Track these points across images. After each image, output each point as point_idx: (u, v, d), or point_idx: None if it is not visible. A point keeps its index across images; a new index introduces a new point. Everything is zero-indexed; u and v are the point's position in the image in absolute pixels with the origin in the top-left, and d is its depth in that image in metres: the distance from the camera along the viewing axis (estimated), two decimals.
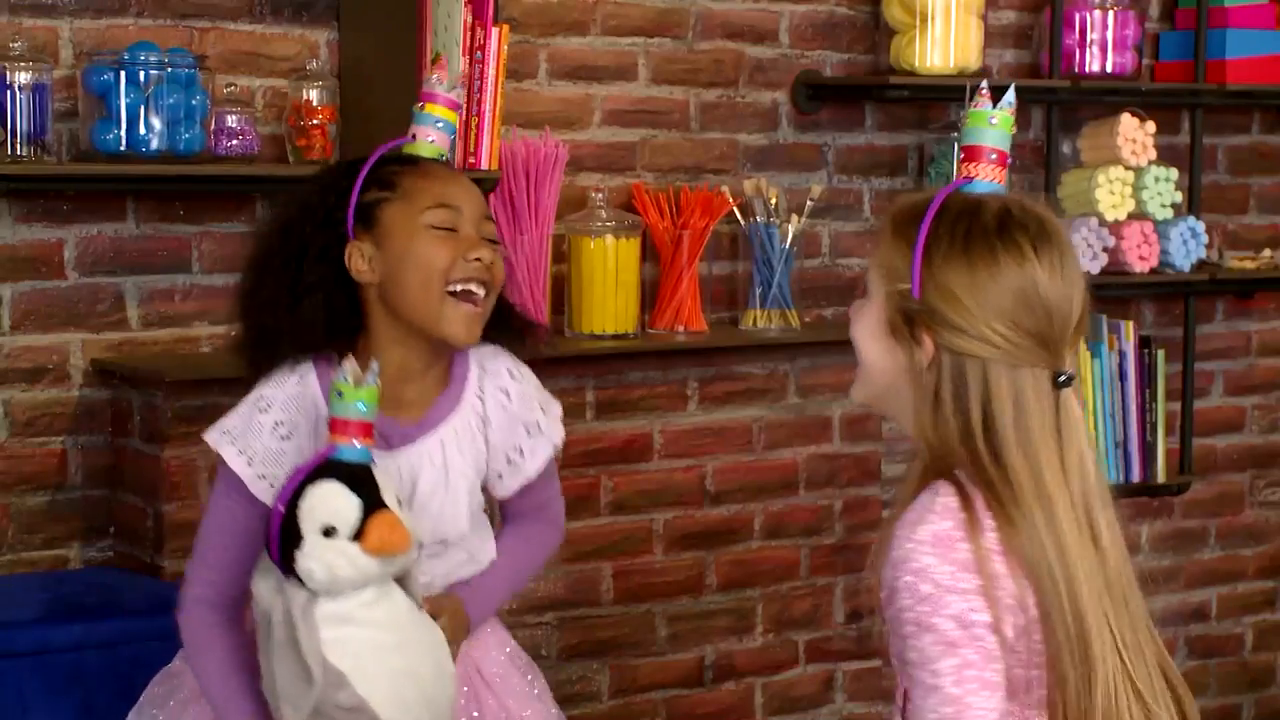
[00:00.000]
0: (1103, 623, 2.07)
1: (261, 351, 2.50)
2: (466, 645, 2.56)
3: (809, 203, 4.17)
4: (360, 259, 2.44)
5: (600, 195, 3.94)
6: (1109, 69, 4.45)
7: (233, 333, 2.60)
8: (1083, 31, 4.44)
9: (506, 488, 2.60)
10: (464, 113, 3.59)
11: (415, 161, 2.51)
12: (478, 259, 2.42)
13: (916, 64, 4.17)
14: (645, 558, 4.01)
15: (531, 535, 2.69)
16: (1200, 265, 4.57)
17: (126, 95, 3.36)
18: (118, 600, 3.31)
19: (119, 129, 3.36)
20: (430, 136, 2.54)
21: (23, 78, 3.33)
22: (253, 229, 2.56)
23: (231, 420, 2.49)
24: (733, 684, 4.14)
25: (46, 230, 3.50)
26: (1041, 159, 4.47)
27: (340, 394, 2.27)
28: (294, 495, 2.27)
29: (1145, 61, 4.64)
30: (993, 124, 2.19)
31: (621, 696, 4.02)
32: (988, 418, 2.07)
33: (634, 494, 3.98)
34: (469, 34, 3.60)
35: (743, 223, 4.13)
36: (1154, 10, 4.73)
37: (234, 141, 3.52)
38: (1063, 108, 4.43)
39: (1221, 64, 4.60)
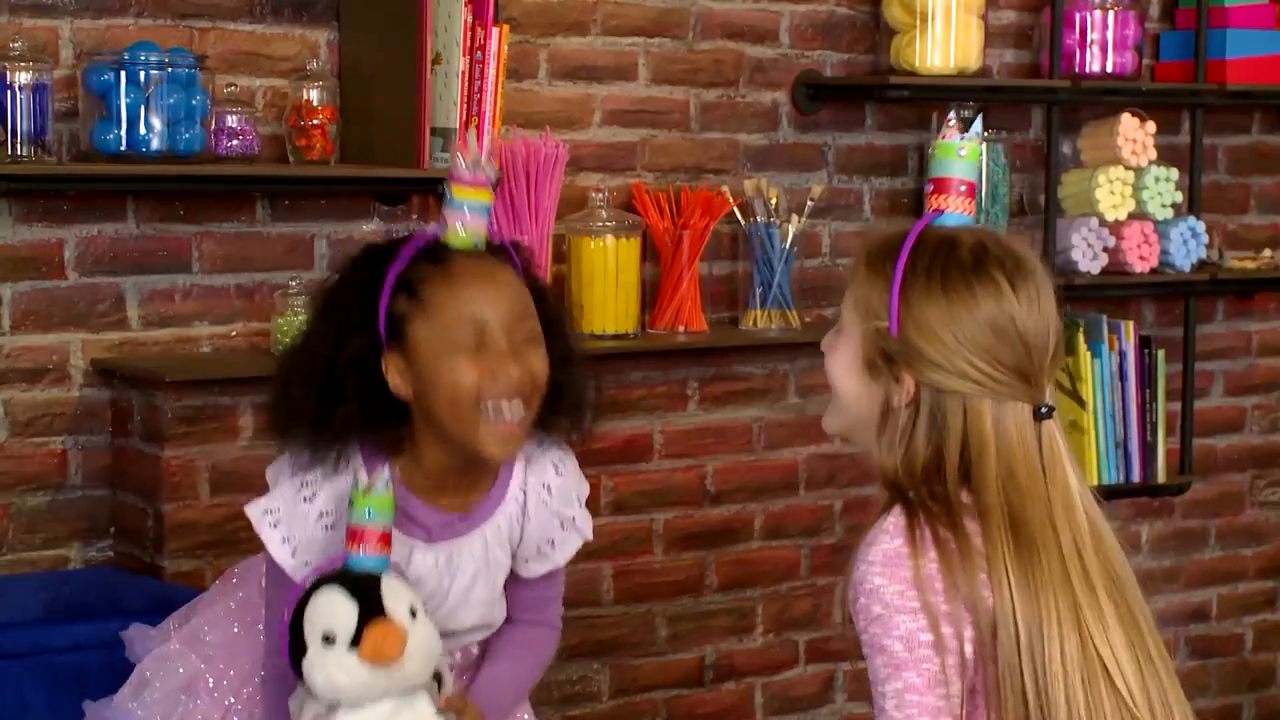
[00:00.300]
0: (1069, 653, 2.06)
1: (294, 438, 2.42)
2: None
3: (809, 203, 4.17)
4: (395, 373, 2.37)
5: (600, 195, 3.94)
6: (1109, 69, 4.45)
7: (267, 404, 2.55)
8: (1083, 31, 4.44)
9: (531, 571, 2.58)
10: (464, 112, 3.60)
11: (445, 260, 2.36)
12: (508, 378, 2.33)
13: (917, 64, 4.17)
14: (645, 558, 4.01)
15: (535, 641, 2.65)
16: (1200, 265, 4.57)
17: (127, 95, 3.36)
18: (118, 600, 3.31)
19: (119, 129, 3.36)
20: (458, 223, 2.36)
21: (23, 78, 3.33)
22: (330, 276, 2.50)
23: (275, 501, 2.42)
24: (733, 684, 4.14)
25: (47, 230, 3.50)
26: (1042, 159, 4.47)
27: (352, 501, 2.23)
28: (300, 603, 2.25)
29: (1145, 61, 4.64)
30: (961, 155, 2.20)
31: (622, 696, 4.02)
32: (967, 453, 2.08)
33: (634, 494, 3.98)
34: (469, 34, 3.60)
35: (743, 223, 4.13)
36: (1154, 10, 4.73)
37: (234, 141, 3.52)
38: (1063, 108, 4.43)
39: (1222, 64, 4.60)
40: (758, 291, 4.11)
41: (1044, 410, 2.11)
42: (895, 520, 2.07)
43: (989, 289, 2.10)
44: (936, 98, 4.32)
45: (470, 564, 2.48)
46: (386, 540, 2.25)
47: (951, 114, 2.28)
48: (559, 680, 3.93)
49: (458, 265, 2.35)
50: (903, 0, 4.19)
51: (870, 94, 4.28)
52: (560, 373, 2.44)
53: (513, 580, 2.59)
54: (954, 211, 2.17)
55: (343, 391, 2.35)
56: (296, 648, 2.26)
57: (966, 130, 2.20)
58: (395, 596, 2.25)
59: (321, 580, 2.26)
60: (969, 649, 2.05)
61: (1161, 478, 4.53)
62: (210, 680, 2.63)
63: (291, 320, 3.55)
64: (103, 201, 3.53)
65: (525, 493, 2.51)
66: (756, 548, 4.13)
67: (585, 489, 2.59)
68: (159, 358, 3.57)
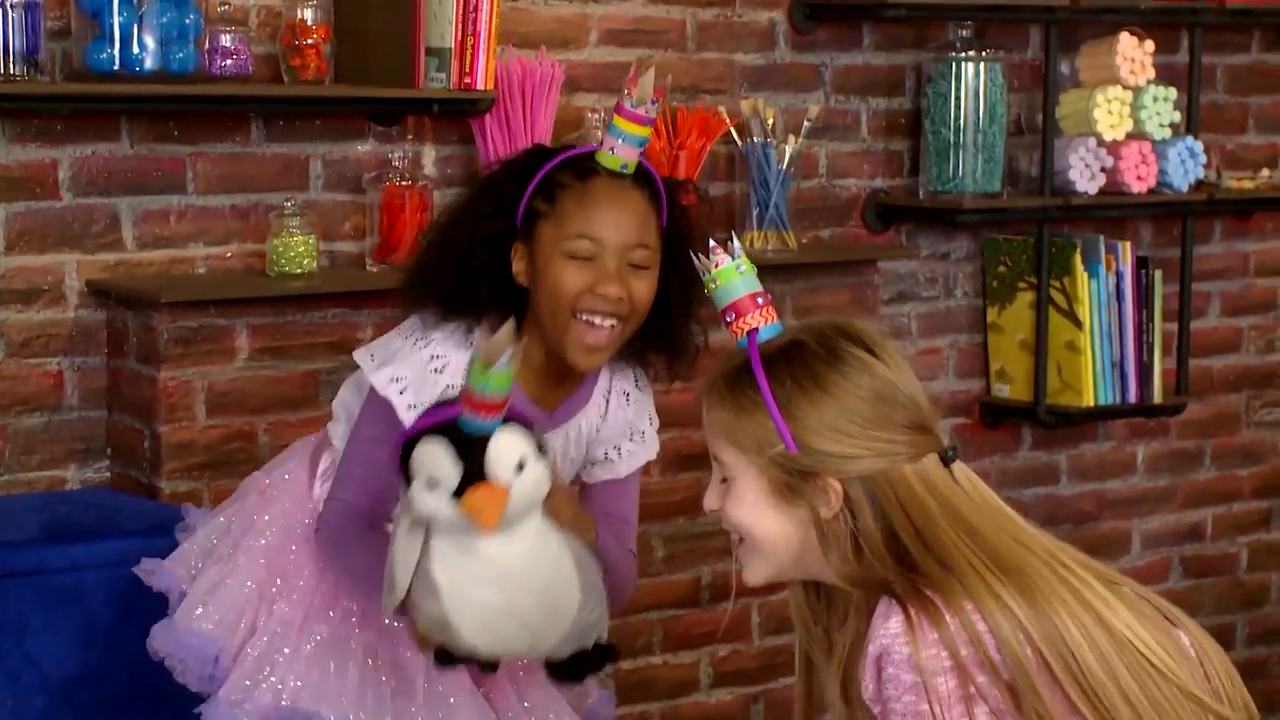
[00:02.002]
0: (1111, 650, 2.07)
1: (426, 298, 2.62)
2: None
3: (806, 123, 4.16)
4: (519, 261, 2.59)
5: (596, 116, 3.92)
6: None
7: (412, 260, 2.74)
8: None
9: (594, 475, 2.74)
10: (459, 31, 3.58)
11: (588, 176, 2.57)
12: (606, 294, 2.53)
13: None
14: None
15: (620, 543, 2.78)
16: (1198, 185, 4.56)
17: (120, 14, 3.33)
18: (115, 521, 3.32)
19: (112, 48, 3.34)
20: (613, 147, 2.57)
21: None
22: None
23: (403, 369, 2.57)
24: (728, 604, 4.16)
25: (40, 150, 3.49)
26: (1040, 79, 4.45)
27: (471, 370, 2.27)
28: (411, 440, 2.31)
29: None
30: (741, 271, 2.22)
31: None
32: (915, 521, 2.09)
33: None
34: None
35: (739, 143, 4.11)
36: None
37: (228, 61, 3.49)
38: (1061, 27, 4.41)
39: None
40: (754, 212, 4.10)
41: (950, 454, 2.13)
42: (887, 606, 2.07)
43: (854, 365, 2.12)
44: (934, 16, 4.30)
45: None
46: (501, 407, 2.29)
47: (711, 241, 2.28)
48: None
49: (596, 183, 2.57)
50: None
51: (868, 13, 4.25)
52: (672, 314, 2.63)
53: (584, 494, 2.75)
54: (766, 324, 2.19)
55: (475, 264, 2.57)
56: (405, 476, 2.32)
57: (730, 249, 2.22)
58: (503, 455, 2.29)
59: (432, 430, 2.30)
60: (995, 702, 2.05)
61: (1158, 398, 4.54)
62: (283, 590, 2.70)
63: (287, 241, 3.54)
64: (96, 121, 3.52)
65: (608, 400, 2.69)
66: None
67: (656, 419, 2.78)
68: (154, 278, 3.57)
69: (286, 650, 2.65)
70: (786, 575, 2.21)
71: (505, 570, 2.36)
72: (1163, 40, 4.53)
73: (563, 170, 2.58)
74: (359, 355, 2.66)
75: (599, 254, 2.54)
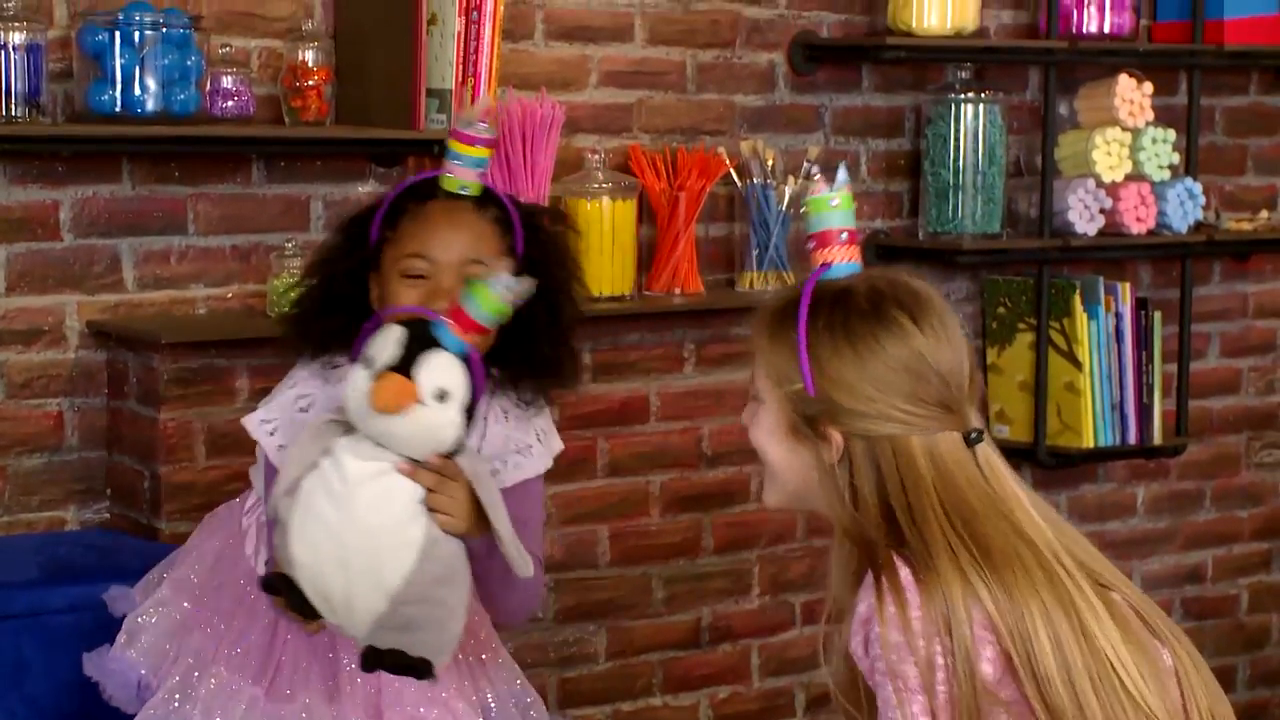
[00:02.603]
0: (1074, 654, 2.06)
1: (297, 341, 2.68)
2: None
3: (806, 164, 4.16)
4: (375, 289, 2.63)
5: (596, 157, 3.93)
6: (1106, 29, 4.44)
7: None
8: None
9: (504, 480, 2.65)
10: (459, 73, 3.59)
11: (428, 199, 2.62)
12: (436, 310, 2.48)
13: (914, 24, 4.16)
14: (642, 520, 4.02)
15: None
16: (1197, 227, 4.56)
17: (121, 56, 3.34)
18: (114, 562, 3.31)
19: (114, 90, 3.35)
20: (450, 170, 2.63)
21: (17, 38, 3.32)
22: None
23: (273, 411, 2.66)
24: (729, 645, 4.15)
25: (42, 192, 3.50)
26: (1038, 120, 4.46)
27: (470, 291, 2.34)
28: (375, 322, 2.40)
29: (1143, 22, 4.63)
30: (834, 206, 2.21)
31: (618, 658, 4.02)
32: (909, 493, 2.09)
33: (631, 456, 3.98)
34: None
35: (739, 184, 4.12)
36: None
37: (229, 102, 3.50)
38: (1060, 68, 4.42)
39: (1219, 24, 4.59)
40: (754, 253, 4.10)
41: (974, 436, 2.12)
42: (870, 577, 2.09)
43: (893, 330, 2.11)
44: (933, 58, 4.31)
45: None
46: (478, 330, 2.35)
47: (815, 168, 2.29)
48: (555, 642, 3.93)
49: (433, 205, 2.61)
50: None
51: (867, 55, 4.27)
52: (536, 337, 2.63)
53: None
54: (840, 262, 2.18)
55: (336, 298, 2.62)
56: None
57: (833, 180, 2.21)
58: (436, 370, 2.33)
59: (407, 320, 2.36)
60: (986, 668, 2.05)
61: (1158, 439, 4.54)
62: (201, 618, 2.71)
63: (287, 281, 3.54)
64: (98, 163, 3.52)
65: (485, 420, 2.64)
66: (753, 509, 4.14)
67: (550, 434, 2.73)
68: (155, 319, 3.57)
69: (195, 682, 2.66)
70: (796, 505, 2.23)
71: (354, 491, 2.34)
72: (1161, 82, 4.54)
73: (407, 197, 2.63)
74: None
75: (432, 273, 2.56)
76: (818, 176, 2.25)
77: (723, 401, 4.07)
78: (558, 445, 2.75)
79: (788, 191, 4.10)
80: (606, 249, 3.87)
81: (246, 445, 3.50)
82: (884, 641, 2.05)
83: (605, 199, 3.88)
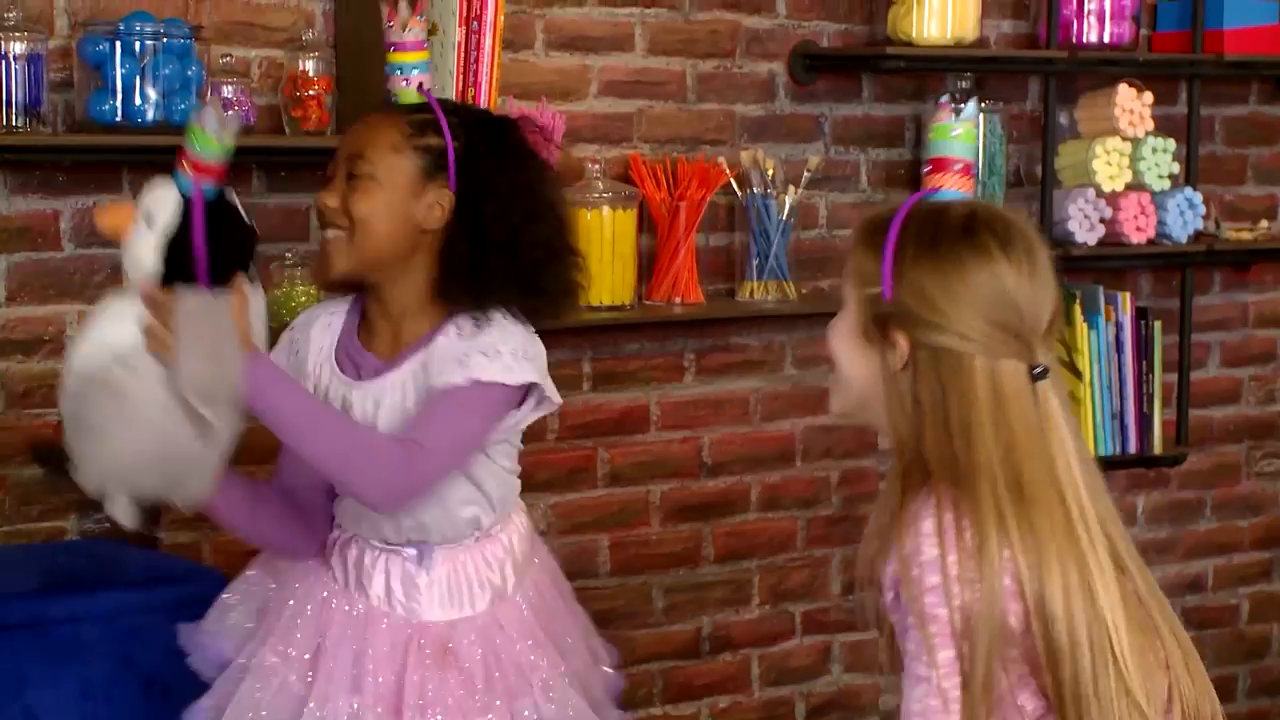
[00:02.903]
0: (1087, 608, 2.07)
1: None
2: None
3: (806, 174, 4.17)
4: None
5: (597, 166, 3.93)
6: (1106, 39, 4.45)
7: None
8: (1080, 2, 4.43)
9: (450, 379, 2.61)
10: (460, 82, 3.59)
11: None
12: (320, 203, 2.67)
13: (914, 34, 4.16)
14: (642, 529, 4.02)
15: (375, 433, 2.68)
16: (1197, 236, 4.57)
17: (122, 65, 3.35)
18: (115, 572, 3.31)
19: (114, 99, 3.35)
20: (404, 83, 2.83)
21: (17, 48, 3.32)
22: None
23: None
24: (729, 655, 4.15)
25: (42, 201, 3.50)
26: (1038, 130, 4.46)
27: (189, 131, 2.52)
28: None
29: (1143, 32, 4.63)
30: (955, 135, 2.24)
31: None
32: (964, 409, 2.10)
33: (631, 465, 3.98)
34: (465, 4, 3.59)
35: (739, 194, 4.12)
36: None
37: (230, 112, 3.50)
38: (1060, 78, 4.42)
39: (1219, 34, 4.59)
40: (754, 263, 4.11)
41: (1038, 370, 2.13)
42: (933, 499, 2.10)
43: (978, 252, 2.13)
44: (933, 68, 4.31)
45: (389, 407, 2.64)
46: (205, 170, 2.50)
47: (945, 96, 2.31)
48: None
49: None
50: None
51: (867, 65, 4.27)
52: (490, 247, 2.62)
53: None
54: (950, 188, 2.21)
55: None
56: None
57: (960, 110, 2.23)
58: (147, 198, 2.53)
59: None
60: (1013, 621, 2.06)
61: (1158, 449, 4.53)
62: (279, 598, 2.74)
63: (289, 291, 3.54)
64: (98, 172, 3.52)
65: (437, 338, 2.65)
66: (753, 519, 4.14)
67: (508, 350, 2.62)
68: None
69: (255, 693, 2.67)
70: (859, 416, 2.24)
71: (104, 306, 2.52)
72: (1161, 92, 4.55)
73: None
74: None
75: (332, 168, 2.68)
76: (946, 104, 2.27)
77: (723, 411, 4.07)
78: (525, 374, 2.62)
79: (788, 201, 4.10)
80: (607, 258, 3.87)
81: (248, 454, 3.50)
82: (921, 584, 2.06)
83: (606, 208, 3.88)
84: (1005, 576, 2.06)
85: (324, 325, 2.75)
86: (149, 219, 2.50)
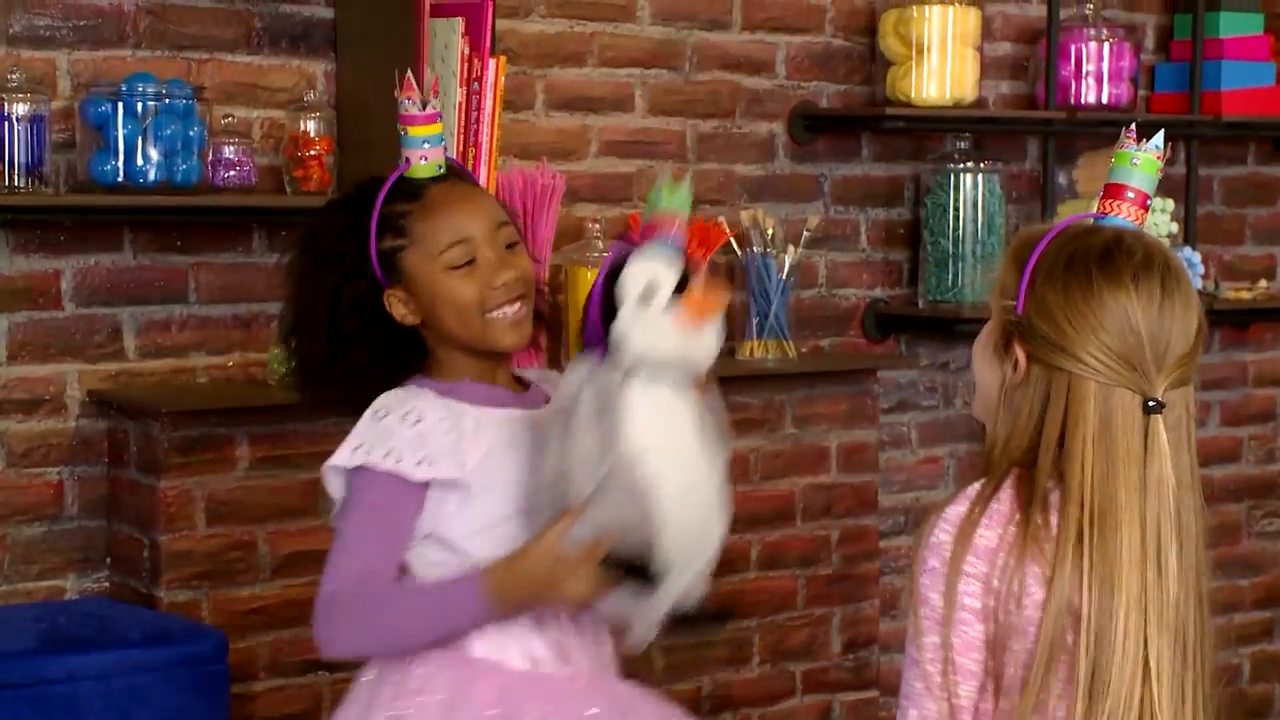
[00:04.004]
0: (1133, 646, 2.08)
1: (327, 397, 2.57)
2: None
3: (805, 233, 4.18)
4: (399, 305, 2.50)
5: (597, 226, 3.94)
6: (1105, 100, 4.47)
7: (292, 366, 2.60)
8: (1078, 63, 4.45)
9: None
10: (461, 142, 3.60)
11: (420, 193, 2.51)
12: (504, 283, 2.48)
13: (912, 95, 4.18)
14: None
15: None
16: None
17: (124, 126, 3.36)
18: (113, 631, 3.31)
19: (116, 160, 3.37)
20: (423, 157, 2.53)
21: (20, 109, 3.34)
22: (287, 275, 2.63)
23: (355, 440, 2.45)
24: (729, 715, 4.14)
25: (44, 261, 3.51)
26: (1038, 190, 4.48)
27: (660, 192, 2.31)
28: (611, 271, 2.29)
29: (1141, 93, 4.66)
30: (1135, 165, 2.25)
31: None
32: (1066, 432, 2.11)
33: None
34: (466, 65, 3.61)
35: (739, 253, 4.13)
36: (1149, 42, 4.74)
37: (231, 172, 3.52)
38: (1059, 139, 4.44)
39: (1217, 95, 4.61)
40: (754, 322, 4.11)
41: (1151, 404, 2.12)
42: (977, 489, 2.12)
43: (1110, 277, 2.13)
44: (932, 129, 4.33)
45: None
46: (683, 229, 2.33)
47: (1133, 125, 2.32)
48: None
49: (432, 194, 2.51)
50: (898, 32, 4.20)
51: (866, 125, 4.29)
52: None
53: None
54: (1117, 215, 2.22)
55: (351, 335, 2.49)
56: (606, 314, 2.29)
57: (1146, 141, 2.25)
58: (698, 276, 2.29)
59: (633, 257, 2.29)
60: (1031, 613, 2.07)
61: None
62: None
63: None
64: (100, 232, 3.54)
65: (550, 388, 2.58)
66: (753, 578, 4.13)
67: None
68: (155, 388, 3.58)
69: None
70: (986, 421, 2.23)
71: (696, 425, 2.29)
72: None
73: (392, 203, 2.50)
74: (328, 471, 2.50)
75: (475, 251, 2.48)
76: (1132, 133, 2.27)
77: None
78: None
79: (787, 260, 4.11)
80: None
81: (247, 514, 3.51)
82: (923, 564, 2.09)
83: None
84: (1073, 597, 2.06)
85: (413, 395, 2.50)
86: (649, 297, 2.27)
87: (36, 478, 3.52)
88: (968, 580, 2.07)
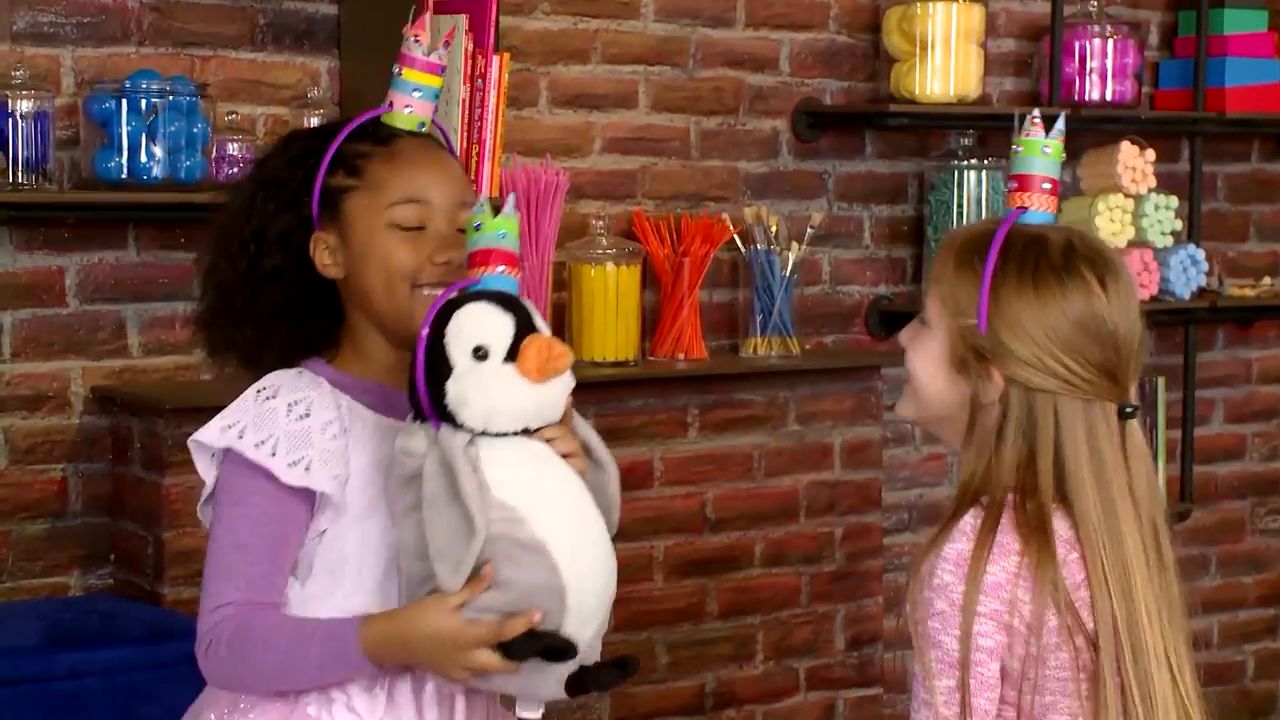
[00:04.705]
0: (1159, 646, 2.09)
1: (227, 339, 2.30)
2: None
3: (809, 230, 4.18)
4: (325, 252, 2.24)
5: (601, 223, 3.94)
6: (1109, 97, 4.46)
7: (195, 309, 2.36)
8: (1082, 60, 4.45)
9: None
10: (465, 139, 3.60)
11: (389, 140, 2.26)
12: (447, 261, 2.21)
13: (916, 92, 4.18)
14: (645, 585, 4.01)
15: None
16: (1200, 293, 4.57)
17: (128, 123, 3.36)
18: (117, 628, 3.31)
19: (120, 157, 3.37)
20: (408, 105, 2.27)
21: (24, 106, 3.34)
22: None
23: (230, 416, 2.21)
24: (733, 712, 4.14)
25: (47, 258, 3.51)
26: None
27: (479, 225, 2.09)
28: (437, 321, 2.06)
29: (1145, 89, 4.65)
30: (1045, 153, 2.22)
31: None
32: (1059, 452, 2.09)
33: (634, 521, 3.98)
34: (470, 62, 3.61)
35: (743, 250, 4.13)
36: (1153, 39, 4.74)
37: (235, 169, 3.52)
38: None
39: (1221, 92, 4.61)
40: (758, 319, 4.11)
41: (1129, 410, 2.12)
42: (973, 522, 2.08)
43: (1079, 287, 2.11)
44: (936, 125, 4.33)
45: None
46: (516, 262, 2.11)
47: (1036, 111, 2.28)
48: (559, 708, 3.92)
49: (403, 144, 2.25)
50: (902, 29, 4.20)
51: (870, 122, 4.29)
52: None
53: None
54: (1037, 209, 2.19)
55: (271, 273, 2.24)
56: (435, 373, 2.06)
57: (1050, 128, 2.22)
58: (538, 318, 2.08)
59: (460, 299, 2.07)
60: (1049, 639, 2.06)
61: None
62: None
63: None
64: (103, 229, 3.54)
65: None
66: (757, 575, 4.13)
67: None
68: (159, 385, 3.58)
69: None
70: (931, 427, 2.23)
71: (563, 472, 2.08)
72: (1163, 149, 4.56)
73: (357, 140, 2.25)
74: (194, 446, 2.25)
75: (428, 217, 2.20)
76: (1037, 120, 2.23)
77: (727, 466, 4.07)
78: None
79: (791, 257, 4.11)
80: (610, 314, 3.88)
81: None
82: (929, 607, 2.06)
83: (609, 265, 3.89)
84: (1024, 614, 2.06)
85: (305, 380, 2.26)
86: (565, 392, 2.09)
87: (41, 474, 3.52)
88: (981, 620, 2.04)
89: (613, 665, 2.16)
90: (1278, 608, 5.00)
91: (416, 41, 2.29)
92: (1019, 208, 2.19)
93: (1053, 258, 2.12)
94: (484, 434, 2.06)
